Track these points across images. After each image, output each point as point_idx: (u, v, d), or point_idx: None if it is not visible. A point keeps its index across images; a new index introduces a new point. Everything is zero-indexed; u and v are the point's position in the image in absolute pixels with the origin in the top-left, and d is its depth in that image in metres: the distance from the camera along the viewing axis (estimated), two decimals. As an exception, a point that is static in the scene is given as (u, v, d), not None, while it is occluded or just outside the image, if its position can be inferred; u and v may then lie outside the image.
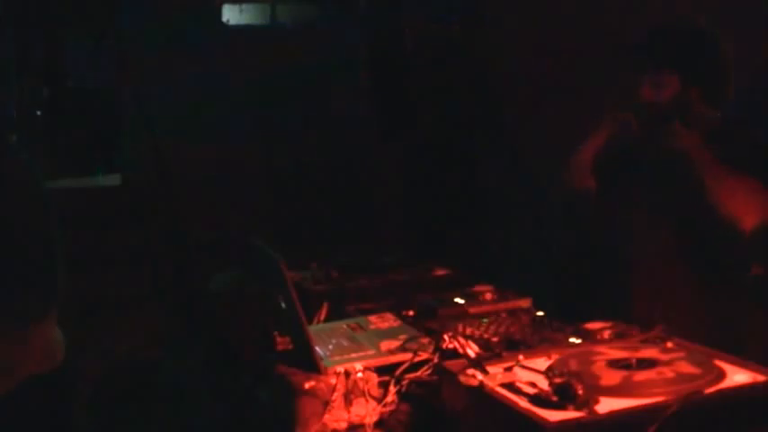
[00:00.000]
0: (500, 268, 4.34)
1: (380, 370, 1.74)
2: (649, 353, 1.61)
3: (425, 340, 1.85)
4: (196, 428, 2.00)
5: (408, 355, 1.77)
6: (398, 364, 1.75)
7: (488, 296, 2.29)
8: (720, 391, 1.42)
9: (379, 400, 1.69)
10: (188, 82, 5.24)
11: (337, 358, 1.81)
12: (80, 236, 4.35)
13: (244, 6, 5.93)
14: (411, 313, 2.17)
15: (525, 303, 2.25)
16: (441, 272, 2.64)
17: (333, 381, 1.69)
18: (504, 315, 2.12)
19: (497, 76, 4.87)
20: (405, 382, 1.72)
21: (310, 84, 5.44)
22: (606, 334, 1.83)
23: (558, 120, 3.73)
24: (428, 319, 2.12)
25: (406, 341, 1.88)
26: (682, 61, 2.38)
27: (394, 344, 1.88)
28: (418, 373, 1.72)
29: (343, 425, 1.67)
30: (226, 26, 5.90)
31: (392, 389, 1.70)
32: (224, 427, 1.88)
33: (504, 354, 1.69)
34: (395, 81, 5.37)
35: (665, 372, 1.49)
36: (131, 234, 4.96)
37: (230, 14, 5.92)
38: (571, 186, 2.63)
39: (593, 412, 1.33)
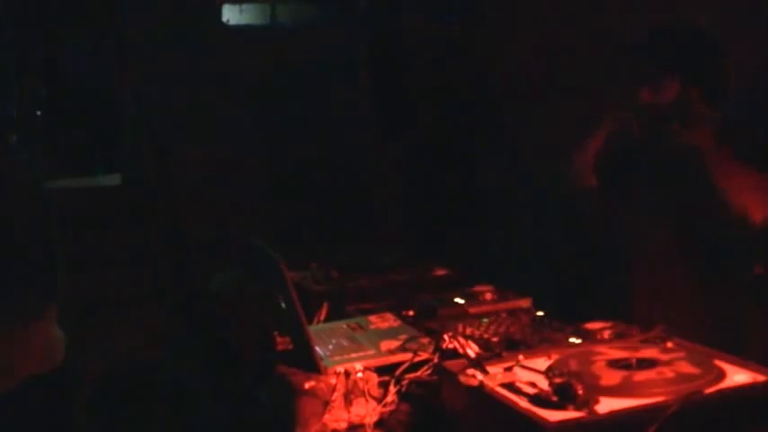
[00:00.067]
0: (500, 268, 4.34)
1: (380, 370, 1.74)
2: (649, 353, 1.60)
3: (425, 340, 1.85)
4: (196, 428, 2.00)
5: (408, 355, 1.77)
6: (398, 364, 1.75)
7: (488, 296, 2.28)
8: (720, 391, 1.42)
9: (379, 400, 1.69)
10: (188, 82, 5.24)
11: (337, 358, 1.80)
12: (80, 236, 4.35)
13: (244, 6, 5.94)
14: (411, 313, 2.17)
15: (525, 303, 2.24)
16: (441, 272, 2.63)
17: (333, 381, 1.69)
18: (504, 315, 2.11)
19: (497, 76, 4.87)
20: (405, 382, 1.71)
21: (310, 84, 5.44)
22: (606, 334, 1.83)
23: (558, 120, 3.73)
24: (428, 319, 2.11)
25: (406, 341, 1.87)
26: (682, 61, 2.38)
27: (394, 344, 1.88)
28: (418, 373, 1.72)
29: (343, 425, 1.67)
30: (226, 26, 5.90)
31: (392, 389, 1.70)
32: (224, 427, 1.88)
33: (504, 354, 1.68)
34: (395, 81, 5.37)
35: (665, 372, 1.49)
36: (131, 234, 4.96)
37: (230, 14, 5.93)
38: (573, 185, 2.63)
39: (593, 412, 1.33)
